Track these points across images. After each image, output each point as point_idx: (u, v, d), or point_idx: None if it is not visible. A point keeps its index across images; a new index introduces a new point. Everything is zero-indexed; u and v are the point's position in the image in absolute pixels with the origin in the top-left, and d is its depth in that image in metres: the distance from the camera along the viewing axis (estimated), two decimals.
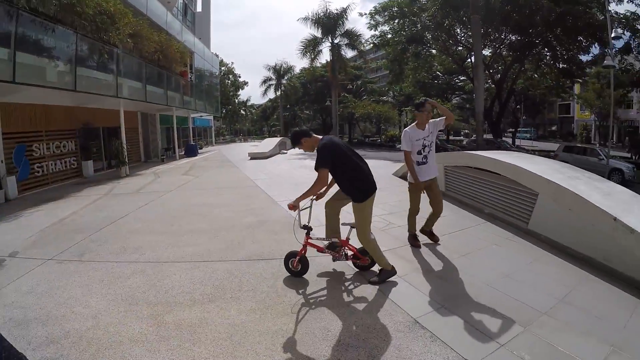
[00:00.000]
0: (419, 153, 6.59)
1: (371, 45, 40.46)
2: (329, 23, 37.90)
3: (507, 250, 6.80)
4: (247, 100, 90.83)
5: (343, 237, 5.72)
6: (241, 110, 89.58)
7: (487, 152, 10.32)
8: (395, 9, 34.15)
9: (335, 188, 5.74)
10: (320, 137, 5.29)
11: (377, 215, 8.45)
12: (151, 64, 24.57)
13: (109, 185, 17.00)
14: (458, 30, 35.16)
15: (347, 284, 5.52)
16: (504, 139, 44.91)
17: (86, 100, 19.63)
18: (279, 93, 66.85)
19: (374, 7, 36.50)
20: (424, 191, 6.74)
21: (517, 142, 52.07)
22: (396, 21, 35.49)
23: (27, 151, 17.05)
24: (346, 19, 37.85)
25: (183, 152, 33.97)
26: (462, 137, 70.96)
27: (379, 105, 61.91)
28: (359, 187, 5.24)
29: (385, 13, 35.39)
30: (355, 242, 5.61)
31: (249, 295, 5.21)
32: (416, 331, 4.16)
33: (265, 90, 65.68)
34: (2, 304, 5.45)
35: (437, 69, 48.24)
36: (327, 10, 37.70)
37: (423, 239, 7.21)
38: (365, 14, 37.21)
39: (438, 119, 6.69)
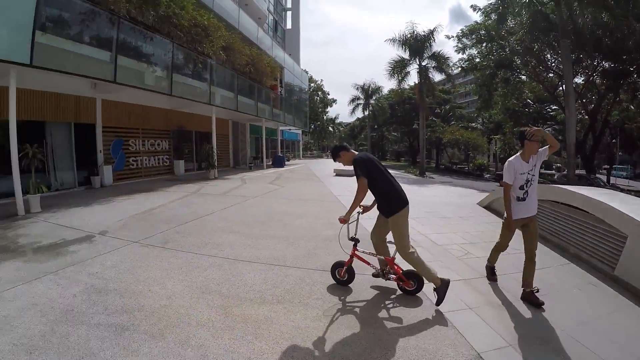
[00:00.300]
0: (521, 188, 5.68)
1: (459, 69, 39.22)
2: (416, 45, 37.24)
3: (588, 296, 6.11)
4: (335, 117, 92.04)
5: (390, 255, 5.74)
6: (329, 127, 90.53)
7: (577, 188, 9.43)
8: (483, 32, 32.55)
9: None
10: (357, 152, 5.56)
11: (457, 244, 8.36)
12: (243, 75, 25.74)
13: (198, 185, 17.90)
14: (548, 55, 33.06)
15: (418, 307, 5.27)
16: (597, 175, 41.19)
17: (181, 105, 21.01)
18: (366, 113, 66.29)
19: (461, 29, 35.61)
20: (519, 229, 5.91)
21: (612, 180, 47.32)
22: (484, 45, 34.04)
23: (124, 145, 18.62)
24: (433, 41, 36.83)
25: (270, 162, 34.94)
26: (553, 171, 67.33)
27: (467, 131, 59.42)
28: (388, 200, 5.44)
29: (473, 36, 34.09)
30: (403, 264, 5.58)
31: (317, 303, 5.23)
32: None
33: (353, 109, 65.28)
34: (87, 272, 6.01)
35: (528, 96, 45.68)
36: (414, 31, 37.21)
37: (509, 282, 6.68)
38: (453, 36, 36.58)
39: (542, 148, 5.69)
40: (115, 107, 17.74)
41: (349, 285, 5.84)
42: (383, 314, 5.01)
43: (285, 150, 48.57)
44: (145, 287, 5.53)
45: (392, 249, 5.64)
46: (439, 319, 4.87)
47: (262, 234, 8.64)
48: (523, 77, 37.46)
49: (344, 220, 5.33)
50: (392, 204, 5.38)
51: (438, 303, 5.22)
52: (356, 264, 5.78)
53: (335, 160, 5.86)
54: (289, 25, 59.99)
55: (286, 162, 37.99)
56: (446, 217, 11.47)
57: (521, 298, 5.60)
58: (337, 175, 25.18)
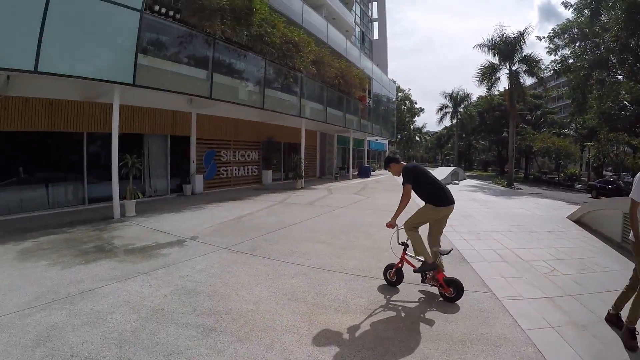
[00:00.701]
0: None
1: (551, 71, 36.74)
2: (506, 48, 35.03)
3: None
4: (422, 126, 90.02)
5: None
6: (416, 137, 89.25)
7: None
8: (576, 30, 30.22)
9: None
10: (405, 163, 6.07)
11: (543, 260, 7.83)
12: (332, 88, 26.04)
13: (285, 194, 18.21)
14: None
15: (504, 323, 4.99)
16: None
17: (271, 118, 21.63)
18: (454, 121, 64.45)
19: (553, 29, 32.35)
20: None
21: None
22: (577, 44, 31.07)
23: (215, 156, 19.46)
24: (524, 43, 34.49)
25: (356, 173, 34.95)
26: None
27: (559, 138, 54.40)
28: (433, 196, 5.91)
29: (565, 35, 30.73)
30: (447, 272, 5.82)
31: (400, 315, 5.17)
32: None
33: (441, 118, 64.04)
34: (178, 274, 6.26)
35: (625, 98, 41.73)
36: (503, 34, 35.11)
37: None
38: (544, 37, 33.47)
39: None
40: (209, 120, 18.61)
41: (397, 286, 6.16)
42: (463, 330, 4.77)
43: (371, 161, 48.33)
44: (233, 291, 5.65)
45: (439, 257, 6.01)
46: (520, 336, 4.60)
47: (348, 245, 8.59)
48: (619, 77, 34.70)
49: (391, 225, 5.92)
50: (436, 198, 5.89)
51: (416, 271, 5.87)
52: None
53: (386, 169, 6.29)
54: (375, 36, 60.08)
55: (372, 173, 37.78)
56: (534, 232, 10.89)
57: (622, 338, 4.57)
58: None
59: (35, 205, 12.17)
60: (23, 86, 11.30)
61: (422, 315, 5.17)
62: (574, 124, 60.26)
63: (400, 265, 6.07)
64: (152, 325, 4.46)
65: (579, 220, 12.13)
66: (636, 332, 4.41)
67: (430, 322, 4.94)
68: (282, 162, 25.82)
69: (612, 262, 8.02)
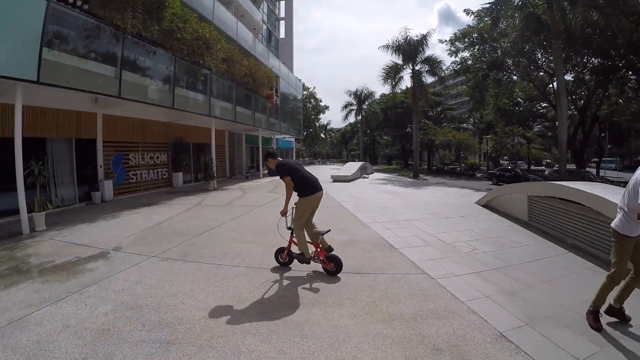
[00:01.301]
0: None
1: (452, 71, 39.84)
2: (410, 50, 37.24)
3: (588, 279, 6.66)
4: (327, 124, 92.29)
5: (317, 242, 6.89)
6: (321, 134, 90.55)
7: (570, 183, 10.05)
8: (475, 35, 33.20)
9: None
10: (280, 159, 7.02)
11: (463, 241, 8.84)
12: (241, 86, 25.90)
13: (199, 196, 17.88)
14: (539, 54, 33.74)
15: (444, 298, 5.66)
16: (587, 169, 42.74)
17: (180, 117, 21.12)
18: (359, 118, 66.43)
19: (454, 33, 35.96)
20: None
21: (602, 172, 49.11)
22: (476, 47, 34.68)
23: (123, 159, 18.64)
24: (426, 45, 36.84)
25: (267, 171, 34.56)
26: (543, 167, 67.81)
27: (459, 132, 60.17)
28: (303, 188, 6.70)
29: (466, 39, 34.80)
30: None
31: (349, 302, 5.52)
32: (502, 343, 4.46)
33: (346, 115, 65.49)
34: (112, 289, 6.04)
35: (519, 96, 46.01)
36: (407, 37, 37.23)
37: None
38: (445, 40, 37.41)
39: None
40: (115, 121, 17.79)
41: (290, 265, 7.23)
42: (414, 308, 5.15)
43: (279, 159, 47.91)
44: (177, 300, 5.60)
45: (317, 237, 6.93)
46: (463, 308, 5.11)
47: (277, 242, 8.54)
48: (514, 77, 38.00)
49: (284, 212, 6.80)
50: (305, 190, 6.70)
51: (294, 258, 7.17)
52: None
53: (264, 164, 6.93)
54: (282, 34, 60.41)
55: None
56: (449, 217, 11.92)
57: (606, 310, 5.07)
58: (334, 181, 25.63)
59: None
60: None
61: (370, 301, 5.44)
62: (472, 119, 65.27)
63: (289, 248, 7.13)
64: (104, 349, 4.27)
65: (487, 205, 13.52)
66: (600, 314, 4.99)
67: (380, 303, 5.44)
68: (191, 164, 25.24)
69: (523, 238, 9.37)
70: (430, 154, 75.59)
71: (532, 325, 4.87)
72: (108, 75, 13.38)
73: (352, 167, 30.97)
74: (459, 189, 22.40)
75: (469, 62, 36.36)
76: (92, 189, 16.43)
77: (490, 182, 36.53)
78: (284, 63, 43.52)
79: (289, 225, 6.98)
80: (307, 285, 6.23)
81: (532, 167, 60.95)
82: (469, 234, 9.71)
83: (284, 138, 50.19)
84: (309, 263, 6.90)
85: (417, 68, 38.80)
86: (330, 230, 7.26)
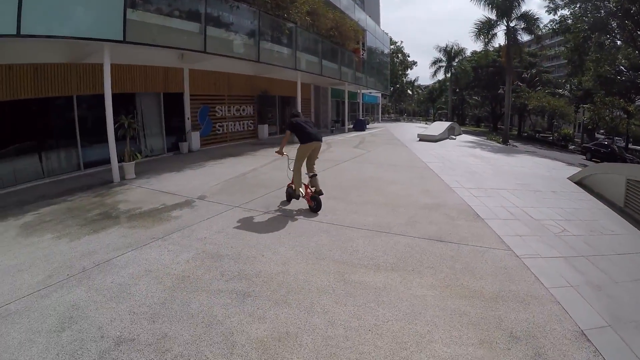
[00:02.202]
0: None
1: (549, 30, 36.14)
2: (504, 4, 34.50)
3: None
4: (414, 80, 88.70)
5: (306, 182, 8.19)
6: (408, 90, 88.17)
7: None
8: None
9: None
10: (296, 119, 8.24)
11: (553, 220, 7.80)
12: (326, 40, 25.32)
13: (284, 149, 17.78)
14: None
15: (528, 281, 5.15)
16: None
17: (265, 71, 21.12)
18: (448, 75, 63.37)
19: None
20: None
21: None
22: (578, 5, 30.57)
23: (210, 112, 19.05)
24: (523, 0, 34.71)
25: (352, 126, 34.45)
26: None
27: (554, 98, 52.88)
28: (302, 138, 7.86)
29: None
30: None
31: (429, 271, 5.14)
32: (581, 342, 3.92)
33: (435, 72, 62.89)
34: (195, 237, 6.13)
35: (622, 63, 41.07)
36: None
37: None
38: None
39: None
40: (201, 75, 18.12)
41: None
42: (496, 287, 4.89)
43: (364, 114, 47.93)
44: (257, 252, 5.55)
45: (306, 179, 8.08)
46: (545, 295, 4.75)
47: (360, 200, 8.50)
48: (618, 41, 33.99)
49: (280, 152, 8.07)
50: (302, 139, 7.84)
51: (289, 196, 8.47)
52: None
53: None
54: None
55: (367, 126, 37.12)
56: (539, 191, 10.77)
57: None
58: (420, 140, 24.41)
59: (29, 176, 11.58)
60: (4, 53, 10.59)
61: (451, 273, 5.18)
62: (568, 85, 58.91)
63: (289, 185, 8.46)
64: (182, 295, 4.32)
65: (580, 182, 12.17)
66: None
67: (462, 276, 5.04)
68: (277, 116, 25.44)
69: (616, 226, 8.08)
70: (521, 119, 69.78)
71: (615, 329, 4.21)
72: (193, 31, 13.59)
73: (439, 126, 29.42)
74: (550, 161, 20.87)
75: (569, 21, 33.10)
76: (180, 139, 17.02)
77: (584, 157, 34.18)
78: (370, 16, 42.36)
79: (290, 168, 8.24)
80: (389, 248, 5.93)
81: (630, 146, 53.59)
82: (559, 212, 8.72)
83: (370, 93, 49.06)
84: (297, 199, 8.24)
85: (511, 25, 36.31)
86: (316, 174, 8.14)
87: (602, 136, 58.92)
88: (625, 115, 44.28)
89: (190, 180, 10.66)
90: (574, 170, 14.65)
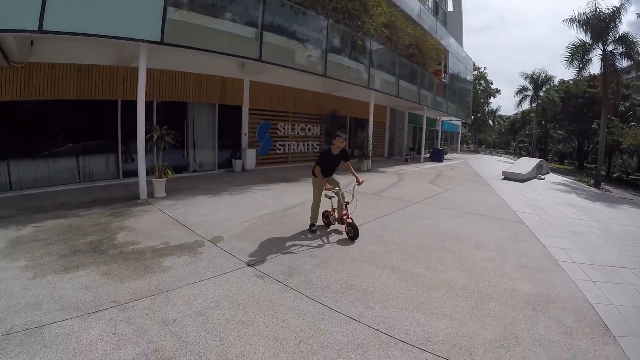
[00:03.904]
0: None
1: None
2: (599, 25, 30.36)
3: None
4: (496, 109, 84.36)
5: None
6: (489, 120, 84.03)
7: None
8: None
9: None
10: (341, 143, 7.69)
11: None
12: (404, 58, 22.77)
13: (348, 178, 15.48)
14: None
15: None
16: None
17: (336, 88, 19.07)
18: (534, 105, 57.24)
19: None
20: None
21: None
22: None
23: (271, 129, 17.20)
24: (619, 21, 30.22)
25: (428, 156, 31.46)
26: None
27: None
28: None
29: None
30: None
31: None
32: None
33: (520, 102, 56.64)
34: (161, 316, 3.75)
35: None
36: (596, 9, 29.86)
37: None
38: None
39: None
40: (264, 88, 16.43)
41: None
42: None
43: (443, 142, 44.36)
44: None
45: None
46: None
47: (430, 276, 5.64)
48: None
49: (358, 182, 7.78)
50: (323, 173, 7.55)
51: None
52: None
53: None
54: (449, 8, 52.83)
55: (445, 157, 34.03)
56: None
57: None
58: (505, 178, 20.81)
59: (64, 179, 11.25)
60: (47, 51, 10.28)
61: None
62: None
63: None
64: None
65: None
66: None
67: None
68: (348, 139, 23.01)
69: None
70: (610, 158, 63.98)
71: None
72: (247, 36, 12.03)
73: (526, 164, 25.42)
74: None
75: None
76: (234, 156, 15.36)
77: None
78: (452, 37, 39.45)
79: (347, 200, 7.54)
80: None
81: None
82: None
83: (451, 120, 45.89)
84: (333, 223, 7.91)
85: (609, 49, 32.48)
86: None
87: None
88: None
89: (220, 210, 8.63)
90: None
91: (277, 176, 14.22)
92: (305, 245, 6.60)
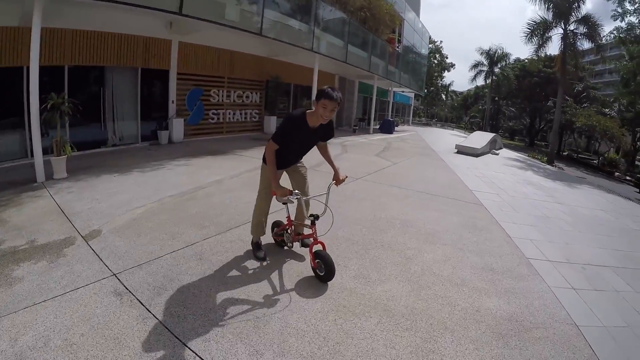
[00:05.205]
0: None
1: (615, 38, 32.31)
2: (563, 4, 30.03)
3: None
4: (450, 84, 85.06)
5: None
6: (442, 94, 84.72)
7: None
8: None
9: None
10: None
11: None
12: (355, 21, 21.56)
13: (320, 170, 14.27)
14: None
15: None
16: None
17: (278, 52, 17.70)
18: (488, 82, 59.14)
19: None
20: None
21: None
22: None
23: (203, 96, 15.56)
24: (583, 2, 30.20)
25: (378, 127, 30.80)
26: None
27: (605, 118, 47.79)
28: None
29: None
30: None
31: None
32: None
33: (475, 77, 58.84)
34: None
35: None
36: None
37: None
38: None
39: None
40: (195, 50, 14.73)
41: None
42: None
43: (394, 114, 43.58)
44: None
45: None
46: None
47: (360, 291, 4.31)
48: None
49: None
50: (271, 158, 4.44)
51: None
52: None
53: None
54: None
55: (395, 128, 33.50)
56: None
57: None
58: (458, 152, 20.18)
59: None
60: None
61: None
62: (617, 105, 54.27)
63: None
64: None
65: None
66: None
67: None
68: (290, 108, 21.66)
69: None
70: (561, 137, 65.58)
71: None
72: None
73: (481, 138, 24.61)
74: (623, 200, 16.38)
75: (638, 31, 29.23)
76: (160, 127, 13.73)
77: (637, 190, 30.05)
78: (409, 5, 38.37)
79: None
80: None
81: None
82: None
83: (403, 92, 45.17)
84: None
85: (570, 28, 32.44)
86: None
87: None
88: None
89: (119, 192, 7.14)
90: None
91: (205, 148, 12.81)
92: (201, 241, 5.22)
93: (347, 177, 4.73)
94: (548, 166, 26.24)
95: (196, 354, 3.02)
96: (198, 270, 4.37)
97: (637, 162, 52.23)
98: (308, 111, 4.38)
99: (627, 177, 40.96)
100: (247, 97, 18.05)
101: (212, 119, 16.25)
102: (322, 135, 4.65)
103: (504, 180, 13.03)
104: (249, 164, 10.72)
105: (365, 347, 3.34)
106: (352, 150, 16.06)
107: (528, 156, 32.13)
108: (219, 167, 10.14)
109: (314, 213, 4.45)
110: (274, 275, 4.49)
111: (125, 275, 4.12)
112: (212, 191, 7.76)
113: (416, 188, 9.74)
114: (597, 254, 6.62)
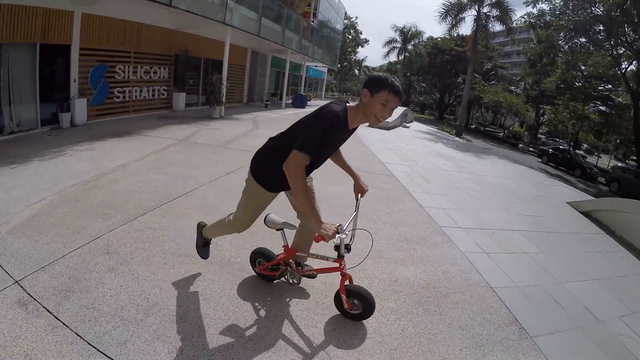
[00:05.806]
0: None
1: (525, 23, 34.84)
2: None
3: None
4: (363, 59, 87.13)
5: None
6: (355, 69, 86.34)
7: None
8: None
9: None
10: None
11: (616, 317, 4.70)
12: None
13: (195, 126, 14.00)
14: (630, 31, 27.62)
15: None
16: None
17: (187, 24, 17.16)
18: (401, 58, 62.40)
19: None
20: None
21: None
22: (559, 1, 29.72)
23: (108, 72, 14.65)
24: None
25: (291, 102, 31.20)
26: (582, 152, 59.93)
27: (511, 95, 54.11)
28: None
29: None
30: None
31: None
32: None
33: (388, 52, 61.95)
34: None
35: (587, 70, 40.36)
36: None
37: None
38: None
39: None
40: (100, 23, 13.74)
41: None
42: None
43: (307, 89, 44.16)
44: None
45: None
46: None
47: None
48: (591, 48, 31.74)
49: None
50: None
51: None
52: None
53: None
54: None
55: (308, 103, 33.64)
56: (557, 232, 7.57)
57: None
58: (370, 125, 20.81)
59: None
60: None
61: None
62: (522, 83, 59.98)
63: None
64: None
65: (588, 214, 9.29)
66: None
67: None
68: (200, 83, 21.29)
69: None
70: (470, 112, 70.29)
71: None
72: None
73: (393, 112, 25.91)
74: (527, 169, 17.93)
75: (548, 17, 31.79)
76: (62, 109, 12.75)
77: (540, 160, 34.97)
78: None
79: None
80: None
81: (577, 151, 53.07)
82: (608, 284, 5.50)
83: (316, 67, 45.42)
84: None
85: (484, 11, 34.59)
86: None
87: (543, 137, 65.97)
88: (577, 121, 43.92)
89: (17, 186, 6.57)
90: (556, 184, 12.86)
91: (110, 130, 12.22)
92: (104, 234, 5.05)
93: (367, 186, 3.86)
94: (457, 138, 28.18)
95: (108, 356, 3.02)
96: (106, 267, 4.26)
97: (539, 135, 58.79)
98: (350, 105, 3.27)
99: (530, 149, 45.92)
100: (155, 72, 17.35)
101: (118, 97, 15.40)
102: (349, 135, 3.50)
103: (415, 152, 13.81)
104: (156, 145, 10.54)
105: (287, 329, 3.54)
106: (263, 126, 16.34)
107: (438, 129, 34.34)
108: (124, 149, 9.80)
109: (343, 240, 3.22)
110: (190, 262, 4.50)
111: (28, 280, 3.92)
112: (116, 177, 7.52)
113: (327, 162, 9.87)
114: (506, 219, 7.40)
